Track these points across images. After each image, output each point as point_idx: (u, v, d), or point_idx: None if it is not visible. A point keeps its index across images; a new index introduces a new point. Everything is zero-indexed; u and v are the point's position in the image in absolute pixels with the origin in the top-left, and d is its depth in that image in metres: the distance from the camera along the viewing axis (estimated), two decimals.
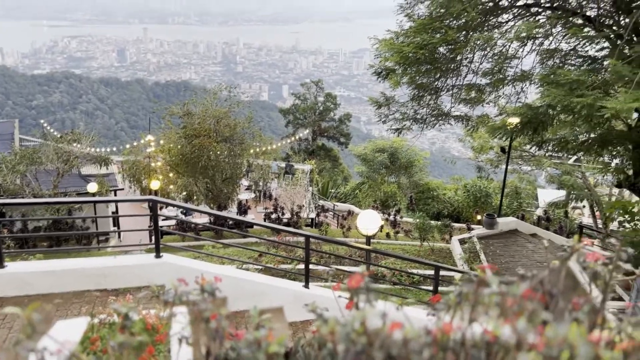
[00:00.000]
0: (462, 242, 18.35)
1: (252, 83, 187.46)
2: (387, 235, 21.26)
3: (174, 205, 9.50)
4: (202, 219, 22.53)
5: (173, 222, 20.89)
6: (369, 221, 9.02)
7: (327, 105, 46.76)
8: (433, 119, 15.40)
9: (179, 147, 21.38)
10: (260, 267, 12.38)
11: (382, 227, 21.66)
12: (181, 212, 23.27)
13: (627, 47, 11.49)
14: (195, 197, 22.58)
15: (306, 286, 7.80)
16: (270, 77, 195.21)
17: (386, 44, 13.14)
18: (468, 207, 28.28)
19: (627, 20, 11.87)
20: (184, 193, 23.03)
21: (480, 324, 1.07)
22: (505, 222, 19.77)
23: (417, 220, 19.47)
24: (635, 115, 12.00)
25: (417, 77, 13.96)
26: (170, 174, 24.10)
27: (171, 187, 24.30)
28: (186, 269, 7.14)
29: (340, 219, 26.21)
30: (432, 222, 20.57)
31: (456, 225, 23.82)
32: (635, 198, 15.57)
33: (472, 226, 21.72)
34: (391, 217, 24.70)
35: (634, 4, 11.26)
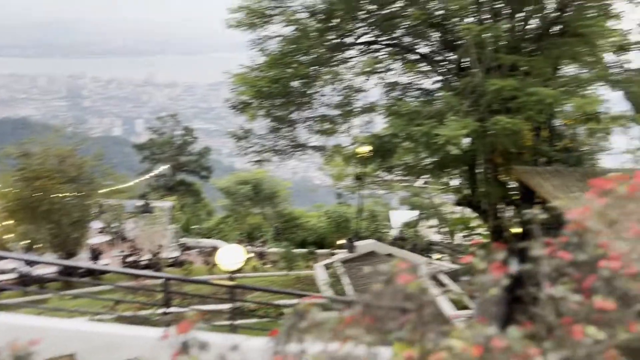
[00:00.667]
0: (326, 267, 18.86)
1: (103, 117, 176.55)
2: (255, 268, 21.11)
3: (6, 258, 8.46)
4: (48, 269, 20.38)
5: (12, 275, 18.58)
6: (231, 256, 8.89)
7: (186, 139, 45.62)
8: (291, 149, 15.79)
9: (16, 191, 19.27)
10: (116, 316, 11.47)
11: (248, 259, 21.46)
12: (25, 264, 20.82)
13: (455, 80, 12.96)
14: (38, 245, 20.40)
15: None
16: (122, 111, 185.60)
17: (240, 78, 13.30)
18: (331, 233, 29.28)
19: (454, 56, 13.43)
20: (25, 242, 20.68)
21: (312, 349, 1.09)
22: (364, 245, 20.79)
23: (283, 250, 19.65)
24: (466, 140, 13.42)
25: (273, 110, 14.28)
26: (7, 221, 21.53)
27: (9, 235, 21.69)
28: (24, 329, 6.35)
29: (205, 256, 25.45)
30: (298, 250, 20.90)
31: (321, 251, 24.47)
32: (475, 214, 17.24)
33: (335, 251, 22.48)
34: (258, 249, 24.62)
35: (458, 42, 12.74)
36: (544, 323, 1.86)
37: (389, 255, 20.29)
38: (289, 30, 13.39)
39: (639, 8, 14.74)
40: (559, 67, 12.39)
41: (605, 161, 18.85)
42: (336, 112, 15.08)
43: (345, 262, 19.31)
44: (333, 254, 21.56)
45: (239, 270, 15.33)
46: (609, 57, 13.80)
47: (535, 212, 2.46)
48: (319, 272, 18.30)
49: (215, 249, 26.69)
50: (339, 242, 26.84)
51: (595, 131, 15.07)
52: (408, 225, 27.39)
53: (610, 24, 13.00)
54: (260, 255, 23.34)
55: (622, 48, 13.72)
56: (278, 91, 12.92)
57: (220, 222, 33.54)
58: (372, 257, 19.89)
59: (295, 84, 13.69)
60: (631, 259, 1.71)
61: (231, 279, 9.26)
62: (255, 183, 32.49)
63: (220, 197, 34.29)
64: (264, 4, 13.11)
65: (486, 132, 10.64)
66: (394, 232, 28.03)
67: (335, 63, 14.25)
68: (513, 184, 13.09)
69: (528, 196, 11.70)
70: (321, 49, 13.14)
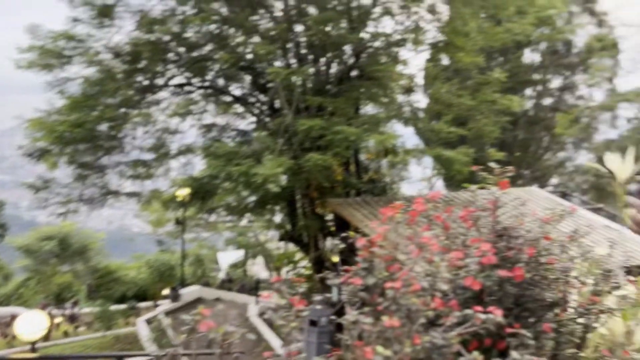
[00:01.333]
0: (148, 322, 17.61)
1: None
2: (66, 333, 18.77)
3: None
4: None
5: None
6: (31, 324, 7.75)
7: None
8: (102, 197, 14.61)
9: None
10: None
11: (58, 325, 19.03)
12: None
13: (269, 120, 13.42)
14: None
15: None
16: None
17: (37, 123, 12.01)
18: (154, 283, 27.55)
19: (266, 98, 13.93)
20: None
21: None
22: (189, 292, 19.98)
23: (98, 308, 17.87)
24: (284, 177, 13.87)
25: (78, 156, 13.12)
26: None
27: None
28: None
29: (2, 327, 21.88)
30: (116, 307, 19.19)
31: (143, 304, 22.82)
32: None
33: (160, 302, 21.17)
34: (68, 312, 21.99)
35: (268, 85, 13.27)
36: (346, 347, 1.94)
37: (217, 299, 19.77)
38: (91, 71, 12.57)
39: (421, 55, 17.10)
40: (359, 106, 13.64)
41: (405, 189, 21.08)
42: (151, 155, 14.45)
43: (170, 312, 18.26)
44: (157, 306, 20.27)
45: (45, 339, 13.54)
46: (401, 97, 15.70)
47: (334, 243, 2.59)
48: (141, 328, 16.99)
49: (14, 317, 23.15)
50: (163, 292, 25.39)
51: (395, 163, 16.86)
52: (236, 265, 27.14)
53: (400, 68, 14.85)
54: (72, 318, 20.89)
55: (409, 90, 15.72)
56: (82, 136, 11.93)
57: (19, 285, 29.26)
58: (198, 304, 19.12)
59: (102, 127, 12.81)
60: (413, 277, 1.89)
61: (33, 350, 8.06)
62: (62, 237, 29.23)
63: (20, 257, 30.07)
64: (61, 44, 12.13)
65: (301, 169, 11.17)
66: (222, 275, 27.49)
67: (146, 105, 13.74)
68: (329, 216, 13.87)
69: (343, 226, 12.49)
70: (130, 90, 12.58)
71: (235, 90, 14.39)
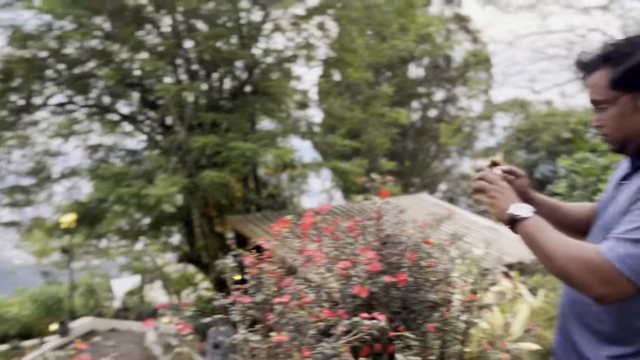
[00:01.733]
0: None
1: None
2: None
3: None
4: None
5: None
6: None
7: None
8: None
9: None
10: None
11: None
12: None
13: (160, 138, 12.96)
14: None
15: None
16: None
17: None
18: (40, 319, 25.26)
19: (156, 115, 13.45)
20: None
21: None
22: (80, 325, 18.59)
23: None
24: (179, 196, 13.46)
25: None
26: None
27: None
28: None
29: None
30: None
31: (28, 343, 20.81)
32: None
33: (46, 339, 19.44)
34: None
35: (159, 102, 12.82)
36: None
37: (112, 330, 18.57)
38: None
39: (315, 71, 17.47)
40: (255, 122, 13.62)
41: (306, 202, 21.31)
42: (30, 180, 13.33)
43: (58, 348, 16.82)
44: (43, 343, 18.59)
45: None
46: (296, 112, 15.93)
47: (225, 261, 2.54)
48: None
49: None
50: (51, 327, 23.37)
51: (295, 177, 17.00)
52: (132, 292, 25.70)
53: (294, 84, 15.08)
54: None
55: (304, 104, 16.01)
56: None
57: None
58: (92, 337, 17.84)
59: None
60: (301, 290, 1.90)
61: None
62: None
63: None
64: None
65: (196, 187, 10.88)
66: (117, 304, 25.89)
67: (22, 126, 12.68)
68: (230, 234, 13.62)
69: (244, 243, 12.33)
70: (2, 111, 11.54)
71: (123, 108, 13.74)
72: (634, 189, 1.43)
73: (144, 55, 12.00)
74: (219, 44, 11.78)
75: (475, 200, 1.57)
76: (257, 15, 12.77)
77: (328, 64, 14.94)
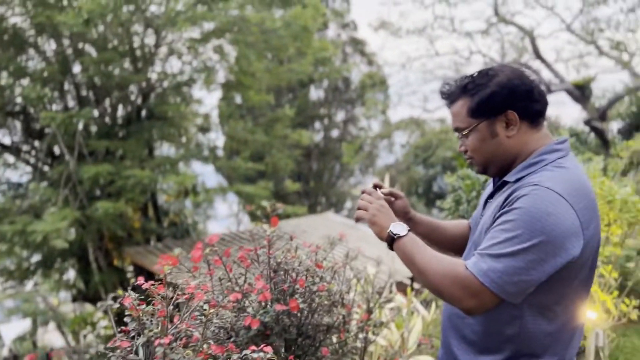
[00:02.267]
0: None
1: None
2: None
3: None
4: None
5: None
6: None
7: None
8: None
9: None
10: None
11: None
12: None
13: (48, 170, 12.07)
14: None
15: None
16: None
17: None
18: None
19: (42, 145, 12.52)
20: None
21: None
22: None
23: None
24: (72, 231, 12.56)
25: None
26: None
27: None
28: None
29: None
30: None
31: None
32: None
33: None
34: None
35: (45, 130, 11.97)
36: None
37: None
38: None
39: (215, 94, 17.21)
40: (153, 148, 13.13)
41: (213, 227, 20.82)
42: None
43: None
44: None
45: None
46: (198, 136, 15.60)
47: (108, 303, 2.39)
48: None
49: None
50: None
51: (199, 203, 16.55)
52: (23, 338, 23.43)
53: (195, 107, 14.79)
54: None
55: (206, 129, 15.73)
56: None
57: None
58: None
59: None
60: (183, 329, 1.82)
61: None
62: None
63: None
64: None
65: (90, 219, 10.23)
66: (5, 352, 23.45)
67: None
68: (130, 267, 12.91)
69: (145, 276, 11.72)
70: None
71: (4, 138, 12.65)
72: (496, 207, 1.53)
73: (27, 81, 11.17)
74: (110, 68, 11.27)
75: (356, 219, 1.63)
76: (151, 39, 12.42)
77: (228, 87, 14.84)
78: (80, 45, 11.49)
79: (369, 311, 3.07)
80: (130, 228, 11.79)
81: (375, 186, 1.74)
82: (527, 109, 1.51)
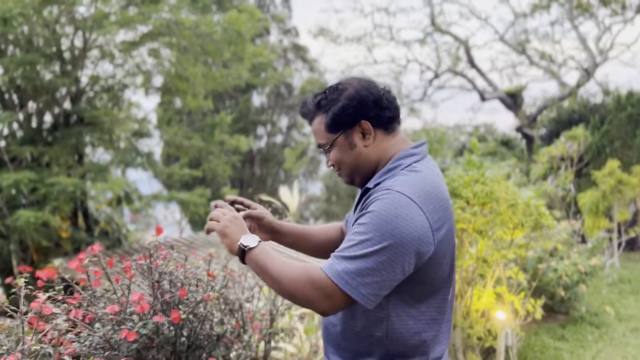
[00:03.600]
0: None
1: None
2: None
3: None
4: None
5: None
6: None
7: None
8: None
9: None
10: None
11: None
12: None
13: None
14: None
15: None
16: None
17: None
18: None
19: None
20: None
21: None
22: None
23: None
24: None
25: None
26: None
27: None
28: None
29: None
30: None
31: None
32: None
33: None
34: None
35: None
36: None
37: None
38: None
39: (154, 99, 16.75)
40: (82, 154, 12.63)
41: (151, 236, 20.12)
42: None
43: None
44: None
45: None
46: (133, 142, 15.12)
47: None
48: None
49: None
50: None
51: (137, 210, 16.04)
52: None
53: (134, 112, 14.36)
54: None
55: (142, 134, 15.28)
56: None
57: None
58: None
59: None
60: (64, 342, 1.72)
61: None
62: None
63: None
64: None
65: (11, 229, 9.71)
66: None
67: None
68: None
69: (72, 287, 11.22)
70: None
71: None
72: (357, 211, 1.56)
73: None
74: (36, 70, 10.77)
75: (207, 230, 1.60)
76: (81, 41, 11.96)
77: (165, 91, 14.52)
78: (2, 45, 10.92)
79: (272, 319, 3.03)
80: (58, 238, 11.26)
81: (232, 202, 1.74)
82: (378, 117, 1.56)
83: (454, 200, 3.81)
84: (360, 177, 1.63)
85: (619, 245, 7.50)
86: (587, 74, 17.27)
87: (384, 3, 19.09)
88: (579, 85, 16.98)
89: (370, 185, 1.56)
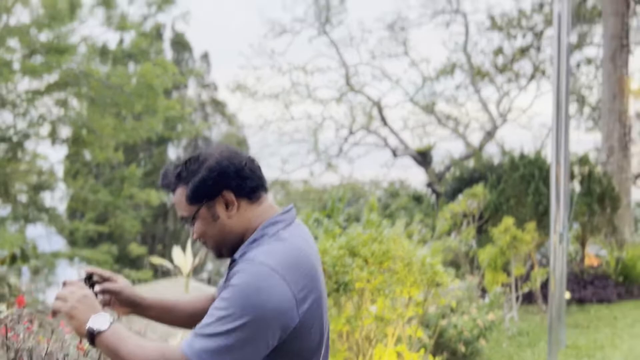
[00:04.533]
0: None
1: None
2: None
3: None
4: None
5: None
6: None
7: None
8: None
9: None
10: None
11: None
12: None
13: None
14: None
15: None
16: None
17: None
18: None
19: None
20: None
21: None
22: None
23: None
24: None
25: None
26: None
27: None
28: None
29: None
30: None
31: None
32: None
33: None
34: None
35: None
36: None
37: None
38: None
39: (60, 150, 15.93)
40: None
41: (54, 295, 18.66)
42: None
43: None
44: None
45: None
46: (34, 194, 14.19)
47: None
48: None
49: None
50: None
51: (37, 268, 14.86)
52: None
53: (40, 163, 13.55)
54: None
55: (45, 186, 14.42)
56: None
57: None
58: None
59: None
60: None
61: None
62: None
63: None
64: None
65: None
66: None
67: None
68: None
69: None
70: None
71: None
72: (223, 286, 1.51)
73: None
74: None
75: (52, 312, 1.46)
76: None
77: (72, 143, 13.89)
78: None
79: None
80: None
81: (90, 276, 1.62)
82: (241, 187, 1.54)
83: (352, 259, 3.84)
84: (227, 249, 1.59)
85: (517, 298, 7.87)
86: (489, 135, 18.63)
87: (302, 62, 19.70)
88: (481, 146, 18.23)
89: (236, 256, 1.52)
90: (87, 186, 13.61)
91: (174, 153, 23.44)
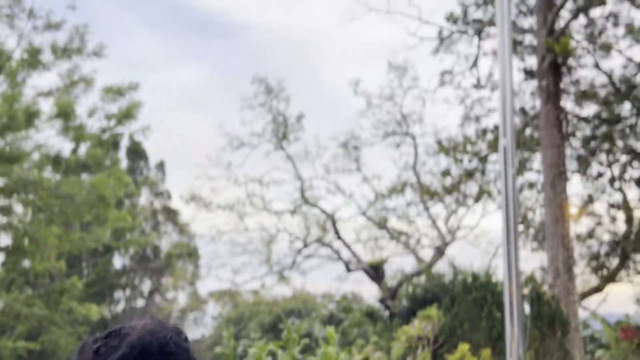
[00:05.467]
0: None
1: None
2: None
3: None
4: None
5: None
6: None
7: None
8: None
9: None
10: None
11: None
12: None
13: None
14: None
15: None
16: None
17: None
18: None
19: None
20: None
21: None
22: None
23: None
24: None
25: None
26: None
27: None
28: None
29: None
30: None
31: None
32: None
33: None
34: None
35: None
36: None
37: None
38: None
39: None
40: None
41: None
42: None
43: None
44: None
45: None
46: None
47: None
48: None
49: None
50: None
51: None
52: None
53: None
54: None
55: None
56: None
57: None
58: None
59: None
60: None
61: None
62: None
63: None
64: None
65: None
66: None
67: None
68: None
69: None
70: None
71: None
72: None
73: None
74: None
75: None
76: None
77: (12, 251, 13.11)
78: None
79: None
80: None
81: None
82: None
83: None
84: None
85: None
86: (439, 251, 18.94)
87: (258, 175, 20.02)
88: (431, 263, 18.45)
89: None
90: (22, 298, 12.66)
91: (120, 262, 22.51)
